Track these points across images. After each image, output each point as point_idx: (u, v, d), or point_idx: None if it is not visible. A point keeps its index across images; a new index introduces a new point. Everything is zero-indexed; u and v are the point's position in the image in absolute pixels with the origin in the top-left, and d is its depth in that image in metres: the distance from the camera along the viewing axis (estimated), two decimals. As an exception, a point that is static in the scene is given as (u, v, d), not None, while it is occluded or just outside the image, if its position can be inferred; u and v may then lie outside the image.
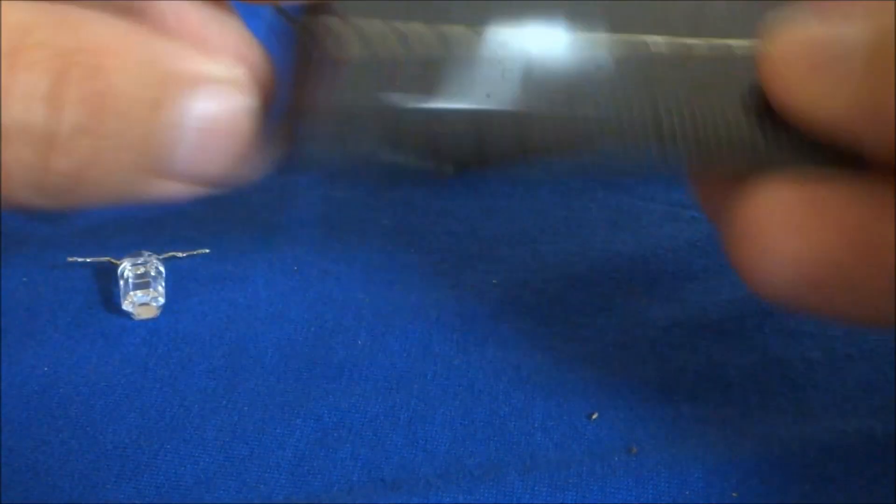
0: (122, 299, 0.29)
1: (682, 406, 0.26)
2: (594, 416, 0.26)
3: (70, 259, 0.31)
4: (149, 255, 0.31)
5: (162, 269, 0.30)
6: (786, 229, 0.22)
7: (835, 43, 0.24)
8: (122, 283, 0.30)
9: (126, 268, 0.30)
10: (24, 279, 0.31)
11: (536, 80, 0.23)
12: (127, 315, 0.29)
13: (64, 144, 0.20)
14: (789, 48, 0.25)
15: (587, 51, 0.24)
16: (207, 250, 0.31)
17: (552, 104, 0.23)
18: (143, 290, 0.29)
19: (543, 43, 0.24)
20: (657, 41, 0.25)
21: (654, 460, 0.25)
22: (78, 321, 0.29)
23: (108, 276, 0.30)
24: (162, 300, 0.29)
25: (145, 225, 0.33)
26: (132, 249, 0.31)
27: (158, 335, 0.29)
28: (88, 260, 0.31)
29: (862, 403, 0.26)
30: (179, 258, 0.31)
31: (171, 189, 0.23)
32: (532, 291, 0.31)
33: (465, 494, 0.24)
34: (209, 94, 0.22)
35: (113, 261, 0.30)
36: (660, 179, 0.34)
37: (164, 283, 0.30)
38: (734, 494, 0.24)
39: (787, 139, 0.24)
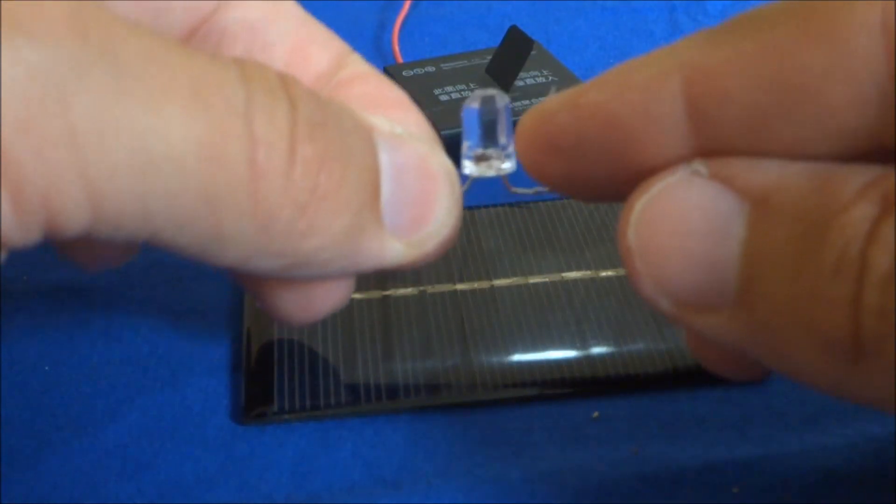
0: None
1: (682, 406, 0.26)
2: (595, 416, 0.26)
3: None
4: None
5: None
6: None
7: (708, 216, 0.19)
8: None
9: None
10: (25, 277, 0.31)
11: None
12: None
13: (300, 173, 0.19)
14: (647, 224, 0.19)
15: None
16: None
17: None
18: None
19: None
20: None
21: (654, 460, 0.25)
22: (79, 320, 0.29)
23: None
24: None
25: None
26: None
27: (160, 335, 0.29)
28: None
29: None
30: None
31: (387, 247, 0.21)
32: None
33: (466, 493, 0.24)
34: (399, 144, 0.21)
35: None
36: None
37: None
38: (735, 490, 0.24)
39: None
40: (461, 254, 0.31)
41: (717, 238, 0.18)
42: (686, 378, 0.27)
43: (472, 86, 0.38)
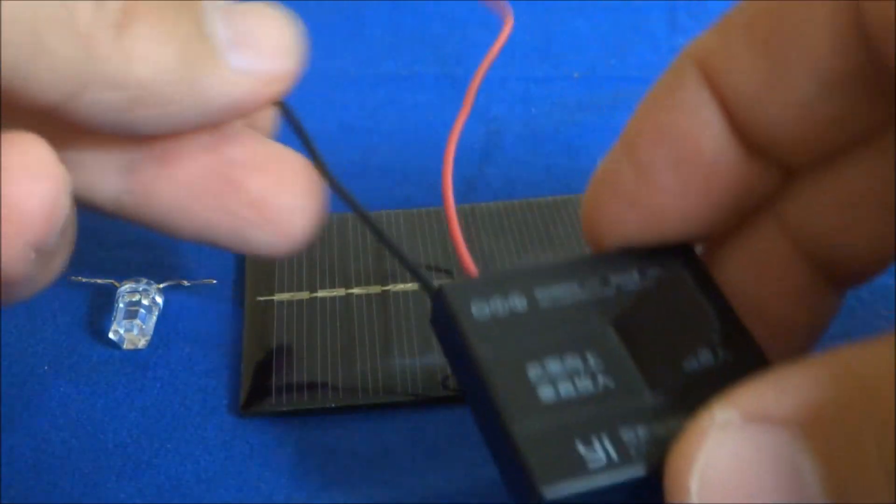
0: (110, 325, 0.28)
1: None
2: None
3: (73, 278, 0.30)
4: (148, 283, 0.29)
5: (160, 299, 0.29)
6: None
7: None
8: (115, 308, 0.29)
9: (122, 293, 0.29)
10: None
11: None
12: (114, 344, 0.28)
13: None
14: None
15: None
16: (214, 280, 0.30)
17: None
18: (129, 320, 0.28)
19: None
20: None
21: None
22: (79, 320, 0.29)
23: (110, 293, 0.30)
24: (150, 332, 0.28)
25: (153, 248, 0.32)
26: (135, 274, 0.30)
27: (160, 334, 0.29)
28: (90, 280, 0.30)
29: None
30: (184, 286, 0.30)
31: (229, 81, 0.21)
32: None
33: (466, 492, 0.24)
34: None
35: (115, 283, 0.29)
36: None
37: (156, 315, 0.29)
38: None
39: None
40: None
41: (791, 484, 0.16)
42: None
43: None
